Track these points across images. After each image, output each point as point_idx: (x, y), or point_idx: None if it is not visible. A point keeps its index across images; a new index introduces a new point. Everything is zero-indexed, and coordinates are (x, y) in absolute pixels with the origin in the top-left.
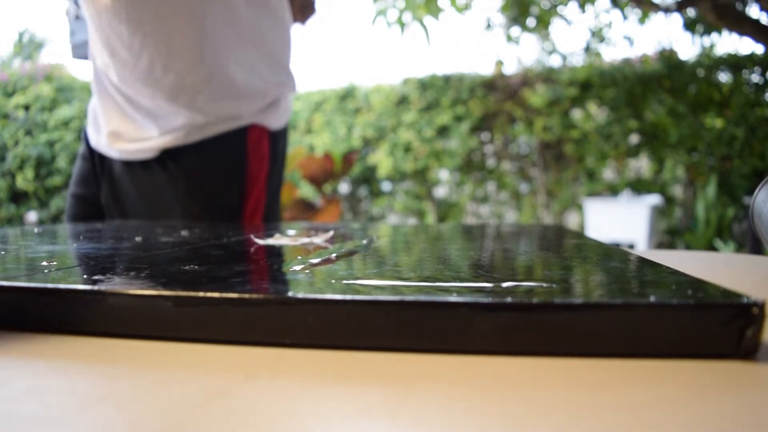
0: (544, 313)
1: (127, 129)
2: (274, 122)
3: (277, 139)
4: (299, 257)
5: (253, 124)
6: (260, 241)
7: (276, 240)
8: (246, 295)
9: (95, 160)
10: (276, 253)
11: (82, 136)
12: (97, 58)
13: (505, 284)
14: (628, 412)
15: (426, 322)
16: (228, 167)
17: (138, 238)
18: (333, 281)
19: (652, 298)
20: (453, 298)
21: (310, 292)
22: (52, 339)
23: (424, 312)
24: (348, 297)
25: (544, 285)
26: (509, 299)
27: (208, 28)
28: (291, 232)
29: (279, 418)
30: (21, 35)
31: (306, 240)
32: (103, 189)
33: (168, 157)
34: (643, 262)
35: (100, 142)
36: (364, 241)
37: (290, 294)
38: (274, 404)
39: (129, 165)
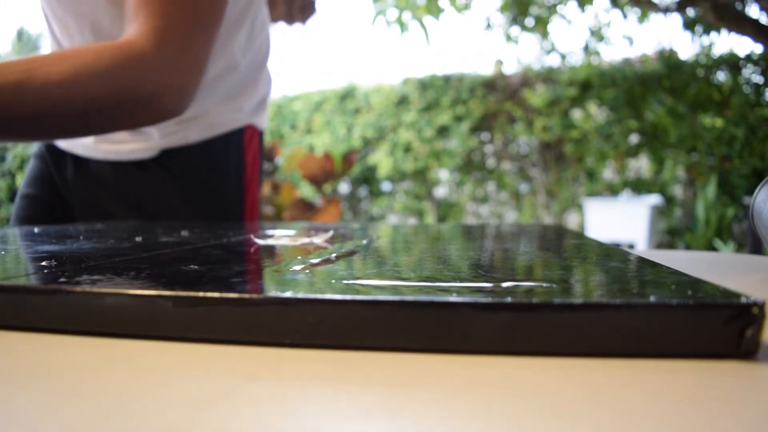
0: (544, 313)
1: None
2: (262, 122)
3: (263, 139)
4: (299, 257)
5: (248, 123)
6: (260, 241)
7: (276, 240)
8: (246, 295)
9: (66, 161)
10: (276, 253)
11: None
12: None
13: (505, 284)
14: (628, 412)
15: (426, 322)
16: (229, 166)
17: (138, 238)
18: (333, 281)
19: (652, 298)
20: (453, 298)
21: (310, 292)
22: (52, 339)
23: (424, 312)
24: (348, 297)
25: (544, 285)
26: (509, 299)
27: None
28: (291, 232)
29: (279, 418)
30: (19, 33)
31: (306, 240)
32: (75, 192)
33: (167, 156)
34: (643, 262)
35: (78, 143)
36: (364, 241)
37: (290, 294)
38: (274, 405)
39: (117, 165)
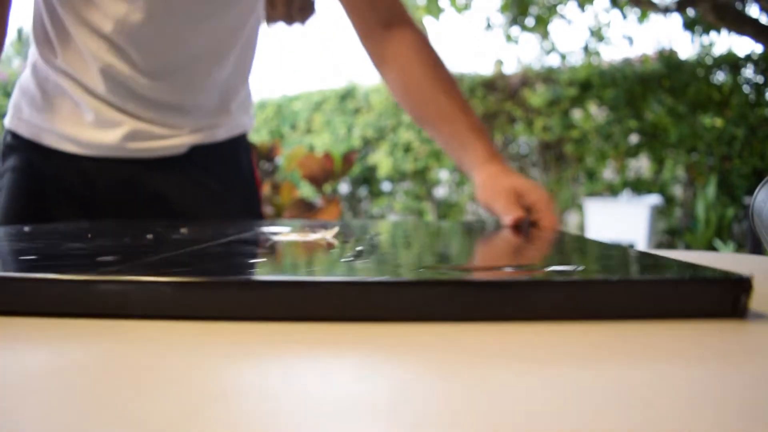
0: (585, 288)
1: (153, 126)
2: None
3: None
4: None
5: (248, 128)
6: (302, 238)
7: (306, 236)
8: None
9: (77, 166)
10: (316, 247)
11: (11, 146)
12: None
13: (546, 269)
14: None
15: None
16: (245, 166)
17: (149, 236)
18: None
19: (668, 275)
20: (518, 278)
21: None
22: (51, 337)
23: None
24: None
25: (578, 269)
26: (562, 279)
27: (250, 26)
28: (301, 228)
29: (279, 417)
30: (20, 34)
31: (318, 236)
32: (92, 195)
33: (196, 153)
34: (650, 255)
35: (95, 144)
36: (370, 237)
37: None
38: (274, 404)
39: (144, 164)
